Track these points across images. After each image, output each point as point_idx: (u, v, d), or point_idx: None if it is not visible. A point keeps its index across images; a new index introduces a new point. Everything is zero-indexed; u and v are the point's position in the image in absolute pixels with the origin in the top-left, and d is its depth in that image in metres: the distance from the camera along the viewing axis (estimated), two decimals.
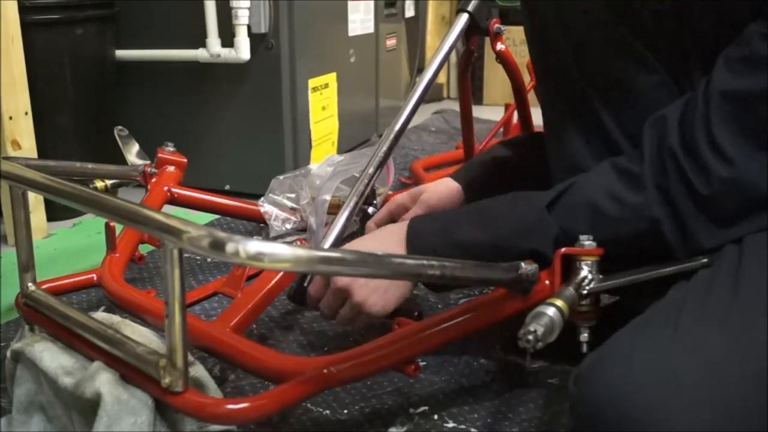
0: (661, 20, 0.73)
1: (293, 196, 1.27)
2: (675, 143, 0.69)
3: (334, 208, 1.18)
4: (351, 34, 2.00)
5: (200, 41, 1.62)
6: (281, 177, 1.31)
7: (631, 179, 0.72)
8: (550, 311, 0.64)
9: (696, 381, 0.55)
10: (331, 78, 1.86)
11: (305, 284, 0.91)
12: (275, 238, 1.28)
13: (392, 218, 1.02)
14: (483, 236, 0.79)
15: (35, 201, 1.39)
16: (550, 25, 0.80)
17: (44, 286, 0.78)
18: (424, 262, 0.65)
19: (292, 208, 1.26)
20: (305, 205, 1.23)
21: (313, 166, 1.32)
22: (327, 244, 0.96)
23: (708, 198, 0.67)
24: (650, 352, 0.58)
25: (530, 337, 0.61)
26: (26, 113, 1.38)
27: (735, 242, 0.68)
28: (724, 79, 0.68)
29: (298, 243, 1.01)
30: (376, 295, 0.83)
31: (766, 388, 0.54)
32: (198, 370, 0.65)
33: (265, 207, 1.25)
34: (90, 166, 1.16)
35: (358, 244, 0.88)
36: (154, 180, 1.14)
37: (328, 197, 1.19)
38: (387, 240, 0.85)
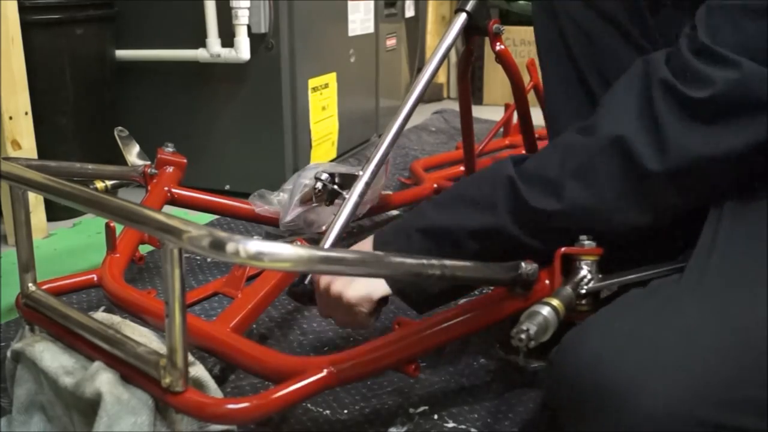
0: (657, 10, 0.77)
1: (281, 196, 1.29)
2: (662, 66, 0.69)
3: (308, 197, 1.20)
4: (351, 34, 2.00)
5: (200, 41, 1.62)
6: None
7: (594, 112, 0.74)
8: (545, 310, 0.64)
9: (672, 348, 0.55)
10: (331, 78, 1.86)
11: (306, 282, 0.91)
12: (274, 238, 1.28)
13: None
14: (447, 193, 0.82)
15: (35, 201, 1.39)
16: (560, 17, 0.85)
17: (44, 287, 0.78)
18: (424, 261, 0.65)
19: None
20: (284, 187, 1.25)
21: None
22: (327, 244, 0.96)
23: (703, 101, 0.65)
24: (628, 322, 0.59)
25: (522, 336, 0.62)
26: (26, 113, 1.38)
27: (715, 216, 0.67)
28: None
29: (299, 243, 1.01)
30: (357, 282, 0.82)
31: (739, 356, 0.55)
32: (198, 370, 0.65)
33: (253, 200, 1.26)
34: (90, 166, 1.16)
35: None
36: (154, 180, 1.15)
37: (307, 181, 1.20)
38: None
